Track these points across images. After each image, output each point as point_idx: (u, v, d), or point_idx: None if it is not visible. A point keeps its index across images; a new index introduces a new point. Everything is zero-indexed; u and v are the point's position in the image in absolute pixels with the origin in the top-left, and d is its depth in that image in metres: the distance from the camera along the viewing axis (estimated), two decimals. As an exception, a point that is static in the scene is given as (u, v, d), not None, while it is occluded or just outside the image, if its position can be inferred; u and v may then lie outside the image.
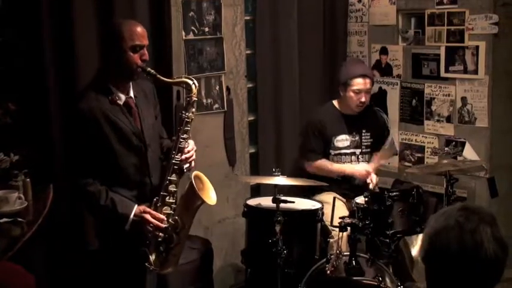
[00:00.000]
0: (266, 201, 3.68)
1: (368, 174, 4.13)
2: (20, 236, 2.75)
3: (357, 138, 4.26)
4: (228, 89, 4.31)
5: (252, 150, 4.63)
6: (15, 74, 3.28)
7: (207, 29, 4.14)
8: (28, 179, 3.14)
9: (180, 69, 3.95)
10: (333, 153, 4.23)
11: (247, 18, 4.50)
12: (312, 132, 4.22)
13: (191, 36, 4.06)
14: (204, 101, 4.15)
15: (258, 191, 4.49)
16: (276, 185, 3.44)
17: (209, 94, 4.19)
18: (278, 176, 3.50)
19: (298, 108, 4.74)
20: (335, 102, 4.31)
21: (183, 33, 4.02)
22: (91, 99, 2.84)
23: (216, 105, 4.25)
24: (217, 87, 4.23)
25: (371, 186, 4.11)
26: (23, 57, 3.30)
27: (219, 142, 4.30)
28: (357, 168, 4.19)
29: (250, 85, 4.57)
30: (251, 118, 4.60)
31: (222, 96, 4.26)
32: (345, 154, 4.25)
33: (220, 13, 4.20)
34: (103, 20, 3.49)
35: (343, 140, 4.23)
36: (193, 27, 4.06)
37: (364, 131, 4.26)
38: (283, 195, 3.45)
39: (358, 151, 4.27)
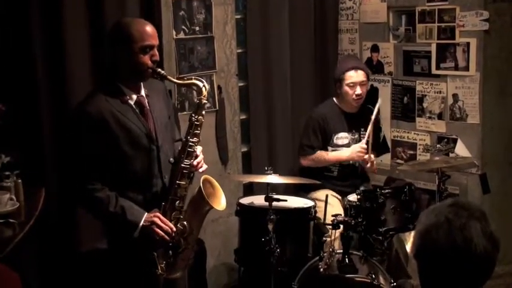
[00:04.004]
0: (259, 200, 3.67)
1: (364, 151, 4.11)
2: (12, 237, 2.74)
3: (356, 136, 4.24)
4: (219, 88, 4.30)
5: (244, 149, 4.63)
6: (5, 74, 3.26)
7: (197, 28, 4.13)
8: (20, 180, 3.13)
9: (171, 69, 3.94)
10: (330, 150, 4.22)
11: (238, 16, 4.49)
12: (312, 128, 4.20)
13: (182, 35, 4.05)
14: (196, 100, 4.13)
15: (250, 189, 4.48)
16: (268, 184, 3.44)
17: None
18: (270, 174, 3.49)
19: (290, 106, 4.74)
20: (335, 100, 4.30)
21: (174, 32, 4.01)
22: (100, 101, 2.75)
23: (208, 104, 4.20)
24: (208, 86, 4.21)
25: (369, 165, 4.13)
26: (13, 58, 3.27)
27: (211, 141, 4.29)
28: (352, 149, 4.15)
29: (241, 84, 4.56)
30: (243, 117, 4.59)
31: (214, 95, 4.25)
32: None
33: (211, 12, 4.19)
34: (93, 19, 3.47)
35: (342, 138, 4.21)
36: (183, 26, 4.05)
37: (362, 129, 4.25)
38: (276, 194, 3.44)
39: None
